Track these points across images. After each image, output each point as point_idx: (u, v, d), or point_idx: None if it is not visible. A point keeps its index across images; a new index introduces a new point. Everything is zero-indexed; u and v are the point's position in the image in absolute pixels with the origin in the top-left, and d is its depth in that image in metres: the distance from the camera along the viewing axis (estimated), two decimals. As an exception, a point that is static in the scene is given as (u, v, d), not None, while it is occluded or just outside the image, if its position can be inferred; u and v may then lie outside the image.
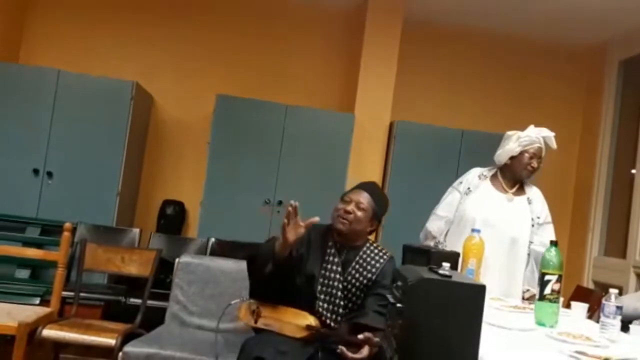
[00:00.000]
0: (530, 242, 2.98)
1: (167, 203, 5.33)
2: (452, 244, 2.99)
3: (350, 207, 2.53)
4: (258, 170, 5.00)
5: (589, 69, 5.86)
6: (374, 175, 5.06)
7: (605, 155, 5.44)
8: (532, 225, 2.99)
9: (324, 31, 5.69)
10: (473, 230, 2.65)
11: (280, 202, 4.98)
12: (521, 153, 2.97)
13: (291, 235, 2.33)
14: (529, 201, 3.02)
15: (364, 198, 2.56)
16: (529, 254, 2.97)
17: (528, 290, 2.90)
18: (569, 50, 5.83)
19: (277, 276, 2.40)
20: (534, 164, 2.97)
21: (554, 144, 3.01)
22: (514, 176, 3.02)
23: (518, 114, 5.70)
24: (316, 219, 2.37)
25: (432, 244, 3.07)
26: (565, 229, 5.69)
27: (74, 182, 4.75)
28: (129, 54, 5.44)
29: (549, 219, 3.06)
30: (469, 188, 3.07)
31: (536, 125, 3.06)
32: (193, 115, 5.46)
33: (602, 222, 5.39)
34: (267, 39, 5.61)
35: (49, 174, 4.72)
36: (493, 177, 3.08)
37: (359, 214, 2.52)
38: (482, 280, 2.74)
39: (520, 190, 3.05)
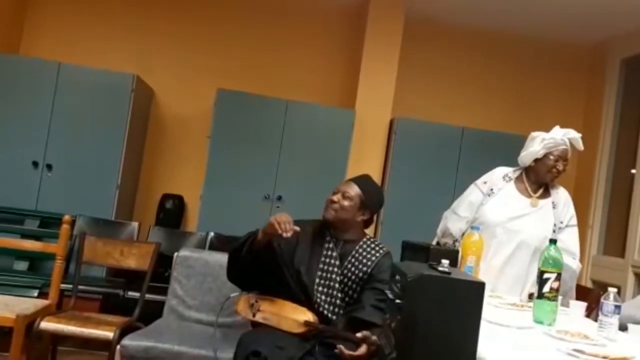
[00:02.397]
0: None
1: (166, 197, 5.32)
2: None
3: (336, 197, 2.59)
4: (258, 165, 5.00)
5: (591, 67, 5.85)
6: (374, 171, 5.04)
7: (606, 154, 5.43)
8: (554, 231, 2.88)
9: (325, 27, 5.68)
10: (472, 227, 2.65)
11: (279, 197, 4.98)
12: (545, 155, 2.84)
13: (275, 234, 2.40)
14: (554, 205, 2.91)
15: (351, 188, 2.61)
16: None
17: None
18: (570, 49, 5.82)
19: (250, 261, 2.48)
20: (560, 166, 2.85)
21: (580, 146, 2.89)
22: (538, 179, 2.92)
23: (519, 112, 5.70)
24: (297, 229, 2.41)
25: (450, 242, 2.97)
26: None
27: (73, 175, 4.75)
28: (130, 47, 5.43)
29: (573, 221, 2.94)
30: (492, 189, 2.94)
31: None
32: (193, 109, 5.45)
33: (602, 221, 5.39)
34: (269, 34, 5.60)
35: (49, 167, 4.72)
36: (518, 179, 2.96)
37: (345, 202, 2.57)
38: (497, 282, 2.73)
39: (546, 193, 2.93)
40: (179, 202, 5.34)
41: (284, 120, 5.03)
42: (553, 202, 2.93)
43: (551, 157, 2.84)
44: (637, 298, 3.16)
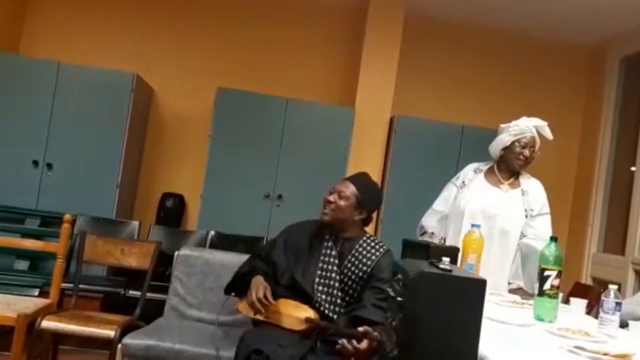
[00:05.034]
0: (523, 235, 2.98)
1: (166, 195, 5.32)
2: (450, 239, 3.02)
3: (332, 197, 2.59)
4: (258, 164, 5.00)
5: (591, 65, 5.85)
6: (374, 169, 5.05)
7: (606, 152, 5.43)
8: (526, 217, 2.99)
9: (325, 25, 5.67)
10: (473, 225, 2.66)
11: (280, 196, 4.98)
12: (512, 143, 2.99)
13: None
14: (523, 192, 3.02)
15: (347, 187, 2.60)
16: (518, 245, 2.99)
17: (511, 283, 2.92)
18: (570, 47, 5.82)
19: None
20: (526, 153, 2.97)
21: (548, 134, 3.01)
22: (508, 167, 3.04)
23: (519, 110, 5.66)
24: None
25: (427, 238, 3.08)
26: (564, 225, 5.69)
27: (73, 174, 4.74)
28: (130, 45, 5.42)
29: (546, 209, 3.05)
30: (463, 182, 3.11)
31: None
32: (193, 108, 5.45)
33: (602, 219, 5.39)
34: (268, 32, 5.60)
35: (49, 166, 4.72)
36: (488, 171, 3.10)
37: (341, 202, 2.57)
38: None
39: (516, 183, 3.05)
40: (180, 201, 5.34)
41: (284, 118, 5.03)
42: (523, 190, 3.03)
43: (517, 144, 2.98)
44: (638, 295, 3.17)
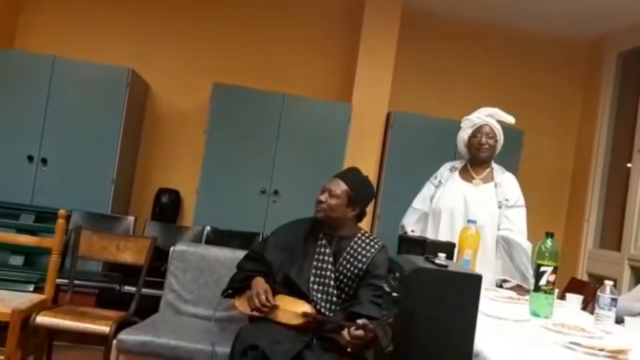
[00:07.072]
0: (498, 227, 3.01)
1: (162, 191, 5.31)
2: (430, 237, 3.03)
3: (323, 197, 2.59)
4: (254, 159, 4.98)
5: (588, 61, 5.85)
6: (371, 165, 5.05)
7: (602, 147, 5.44)
8: (500, 207, 3.04)
9: (322, 20, 5.65)
10: (469, 221, 2.66)
11: (276, 192, 4.97)
12: (470, 138, 3.11)
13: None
14: (496, 185, 3.10)
15: (337, 185, 2.60)
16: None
17: (505, 280, 2.94)
18: (567, 43, 5.81)
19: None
20: (483, 141, 3.07)
21: (507, 118, 3.10)
22: (477, 161, 3.14)
23: (516, 106, 5.65)
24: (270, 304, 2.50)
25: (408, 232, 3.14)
26: (560, 221, 5.70)
27: (68, 169, 4.72)
28: (125, 40, 5.39)
29: (521, 202, 3.11)
30: (440, 181, 3.21)
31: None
32: (189, 104, 5.43)
33: (598, 215, 5.40)
34: (265, 28, 5.57)
35: (44, 161, 4.69)
36: (463, 169, 3.20)
37: (332, 201, 2.57)
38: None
39: (489, 177, 3.13)
40: (175, 197, 5.33)
41: (281, 114, 5.01)
42: (496, 183, 3.12)
43: (475, 136, 3.10)
44: (633, 291, 3.17)
